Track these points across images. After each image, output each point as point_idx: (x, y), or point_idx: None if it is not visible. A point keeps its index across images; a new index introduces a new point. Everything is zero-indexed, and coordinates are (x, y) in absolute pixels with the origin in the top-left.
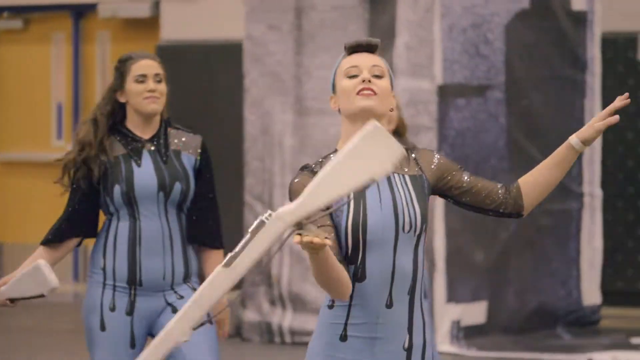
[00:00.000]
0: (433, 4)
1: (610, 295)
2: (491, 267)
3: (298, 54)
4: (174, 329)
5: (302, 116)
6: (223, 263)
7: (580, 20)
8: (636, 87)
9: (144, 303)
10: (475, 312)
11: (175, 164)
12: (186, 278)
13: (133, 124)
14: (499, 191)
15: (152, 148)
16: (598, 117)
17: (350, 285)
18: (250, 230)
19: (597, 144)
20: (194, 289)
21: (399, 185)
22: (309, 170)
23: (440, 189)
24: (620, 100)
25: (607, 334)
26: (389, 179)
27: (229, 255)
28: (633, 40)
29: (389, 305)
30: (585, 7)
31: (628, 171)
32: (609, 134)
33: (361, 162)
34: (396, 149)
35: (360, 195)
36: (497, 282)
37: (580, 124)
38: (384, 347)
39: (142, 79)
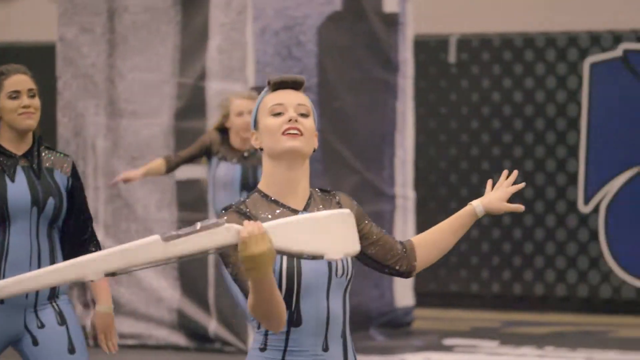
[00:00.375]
0: (245, 6)
1: (423, 297)
2: None
3: (111, 56)
4: (88, 264)
5: (115, 118)
6: (162, 236)
7: (392, 22)
8: (448, 90)
9: (2, 319)
10: None
11: (49, 180)
12: (52, 297)
13: (6, 139)
14: (398, 247)
15: (26, 164)
16: (502, 192)
17: (284, 314)
18: (201, 223)
19: (410, 145)
20: (60, 312)
21: None
22: (239, 212)
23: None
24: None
25: (420, 335)
26: None
27: (171, 232)
28: (444, 42)
29: (326, 349)
30: (397, 9)
31: (440, 173)
32: (421, 136)
33: (321, 235)
34: (354, 245)
35: None
36: None
37: (392, 125)
38: None
39: (15, 94)
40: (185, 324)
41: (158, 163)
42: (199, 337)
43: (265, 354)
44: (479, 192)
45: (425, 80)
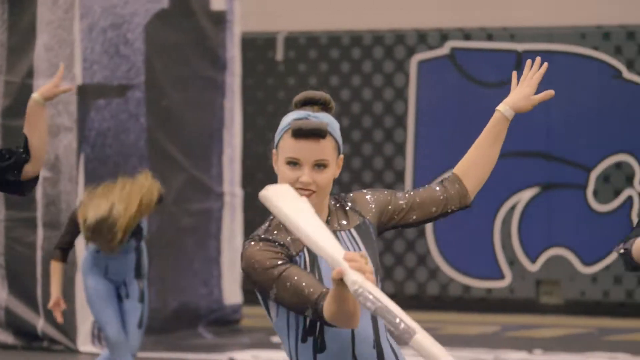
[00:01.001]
0: (72, 4)
1: (252, 294)
2: None
3: None
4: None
5: None
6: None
7: (220, 20)
8: (275, 87)
9: None
10: None
11: None
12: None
13: None
14: (438, 193)
15: None
16: (527, 87)
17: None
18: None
19: (238, 143)
20: None
21: (348, 243)
22: (265, 241)
23: (385, 223)
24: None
25: (248, 333)
26: (336, 236)
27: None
28: (272, 40)
29: None
30: (225, 7)
31: (268, 170)
32: (249, 133)
33: (303, 213)
34: (288, 189)
35: (313, 261)
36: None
37: (220, 123)
38: None
39: None
40: (12, 322)
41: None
42: (26, 335)
43: None
44: None
45: (253, 78)
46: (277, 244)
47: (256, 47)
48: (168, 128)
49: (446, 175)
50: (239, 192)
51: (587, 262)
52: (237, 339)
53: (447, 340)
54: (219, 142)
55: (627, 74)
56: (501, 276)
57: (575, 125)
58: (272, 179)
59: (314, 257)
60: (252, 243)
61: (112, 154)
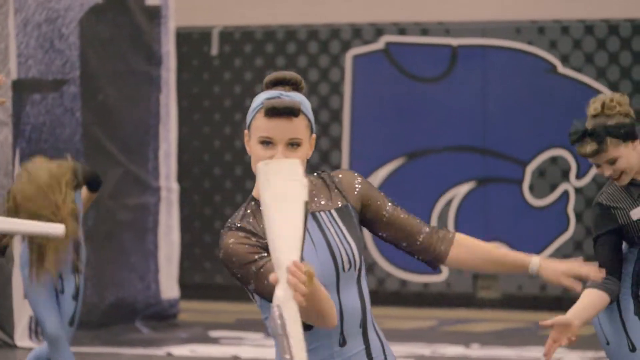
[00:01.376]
0: None
1: (189, 289)
2: None
3: None
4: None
5: None
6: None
7: (155, 15)
8: (211, 82)
9: None
10: None
11: None
12: None
13: None
14: (421, 234)
15: None
16: (567, 267)
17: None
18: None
19: (173, 138)
20: None
21: (328, 224)
22: (238, 230)
23: (362, 217)
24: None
25: (185, 328)
26: (316, 219)
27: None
28: (207, 35)
29: (342, 343)
30: (159, 2)
31: (204, 165)
32: (185, 128)
33: (284, 201)
34: (294, 166)
35: None
36: None
37: (156, 118)
38: None
39: None
40: None
41: None
42: None
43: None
44: (242, 184)
45: (188, 73)
46: (253, 233)
47: (191, 41)
48: (104, 123)
49: (447, 229)
50: (175, 186)
51: None
52: (175, 334)
53: (385, 335)
54: (154, 137)
55: (561, 69)
56: (438, 270)
57: (510, 120)
58: (208, 173)
59: None
60: (229, 233)
61: (47, 149)
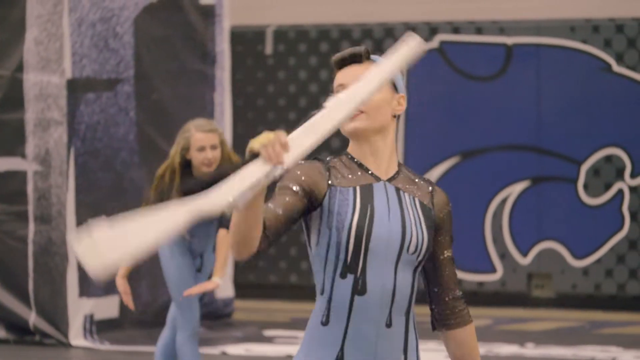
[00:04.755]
0: None
1: (243, 288)
2: None
3: None
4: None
5: None
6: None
7: (209, 14)
8: (265, 81)
9: None
10: (108, 306)
11: None
12: None
13: None
14: (450, 296)
15: None
16: None
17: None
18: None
19: (228, 137)
20: None
21: (409, 205)
22: (322, 162)
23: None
24: None
25: (240, 327)
26: (398, 195)
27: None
28: (261, 34)
29: (389, 324)
30: (214, 0)
31: None
32: (239, 127)
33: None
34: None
35: (367, 199)
36: (129, 276)
37: (210, 117)
38: None
39: None
40: (4, 317)
41: None
42: (18, 329)
43: (327, 329)
44: None
45: (242, 72)
46: (326, 167)
47: (245, 40)
48: (158, 122)
49: (467, 311)
50: None
51: (578, 256)
52: (230, 333)
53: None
54: None
55: (616, 67)
56: (493, 270)
57: (565, 119)
58: None
59: (367, 199)
60: (315, 160)
61: (102, 148)
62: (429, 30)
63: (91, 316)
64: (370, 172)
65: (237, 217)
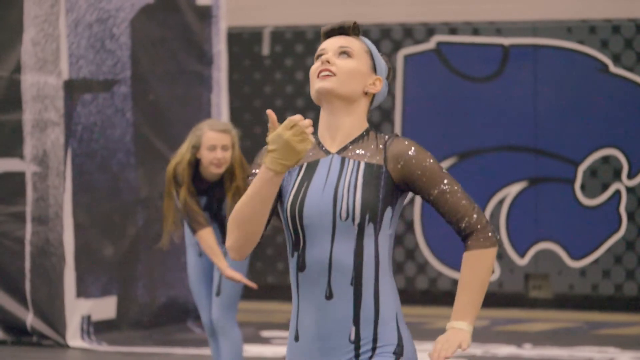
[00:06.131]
0: None
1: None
2: (121, 262)
3: None
4: None
5: None
6: None
7: (206, 15)
8: (262, 82)
9: None
10: (105, 307)
11: None
12: None
13: None
14: (463, 223)
15: None
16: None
17: (255, 242)
18: None
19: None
20: None
21: (349, 172)
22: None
23: (411, 189)
24: None
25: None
26: (342, 163)
27: None
28: (258, 34)
29: (329, 296)
30: (210, 1)
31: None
32: (236, 128)
33: None
34: None
35: (308, 176)
36: (126, 277)
37: (207, 118)
38: (328, 344)
39: None
40: (1, 318)
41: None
42: (15, 330)
43: (293, 308)
44: None
45: (239, 73)
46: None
47: (242, 41)
48: (155, 123)
49: (486, 232)
50: None
51: (576, 256)
52: None
53: (436, 335)
54: None
55: (613, 68)
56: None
57: (562, 120)
58: None
59: (308, 175)
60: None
61: (98, 149)
62: (426, 31)
63: (88, 317)
64: (323, 147)
65: (245, 205)
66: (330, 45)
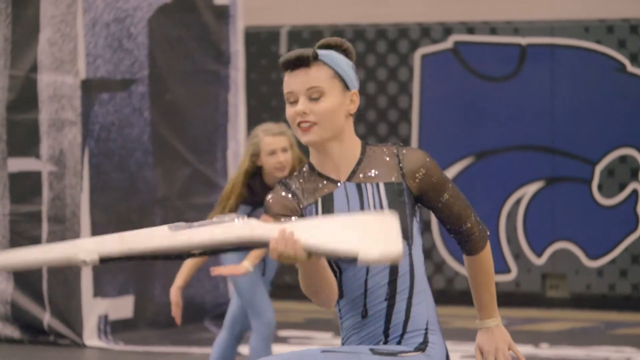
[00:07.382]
0: None
1: None
2: (138, 261)
3: None
4: (82, 244)
5: None
6: (170, 225)
7: (223, 14)
8: (279, 81)
9: None
10: (123, 307)
11: None
12: None
13: None
14: (463, 227)
15: None
16: (505, 344)
17: (336, 291)
18: (215, 218)
19: (242, 137)
20: None
21: (370, 196)
22: (285, 186)
23: (423, 201)
24: None
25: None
26: (359, 189)
27: (181, 222)
28: (275, 34)
29: (364, 315)
30: (228, 1)
31: None
32: (253, 127)
33: (358, 234)
34: (394, 245)
35: (328, 209)
36: (143, 277)
37: (224, 118)
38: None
39: None
40: (18, 317)
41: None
42: (33, 329)
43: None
44: None
45: (256, 72)
46: (290, 192)
47: (259, 41)
48: (172, 122)
49: (482, 234)
50: None
51: (593, 256)
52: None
53: (454, 335)
54: (223, 137)
55: (630, 68)
56: (507, 270)
57: (579, 119)
58: None
59: (328, 209)
60: (276, 187)
61: (116, 148)
62: (443, 30)
63: (105, 316)
64: (329, 178)
65: (303, 271)
66: (297, 88)
